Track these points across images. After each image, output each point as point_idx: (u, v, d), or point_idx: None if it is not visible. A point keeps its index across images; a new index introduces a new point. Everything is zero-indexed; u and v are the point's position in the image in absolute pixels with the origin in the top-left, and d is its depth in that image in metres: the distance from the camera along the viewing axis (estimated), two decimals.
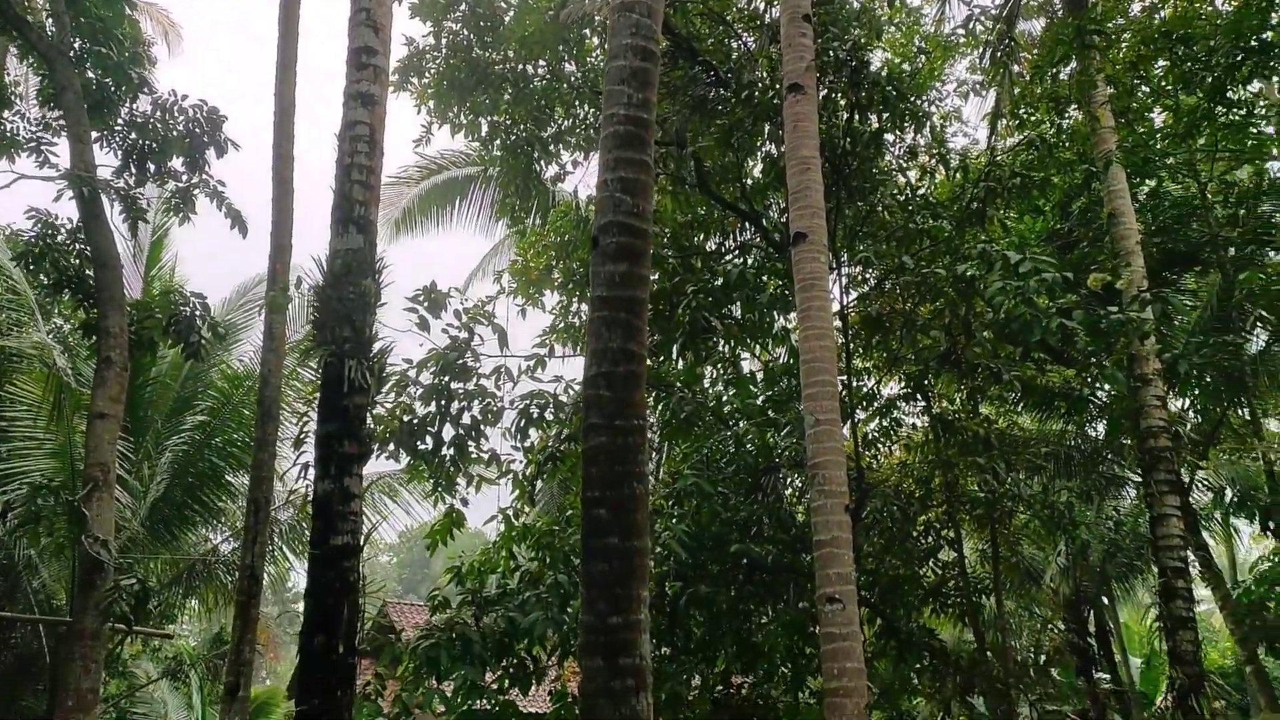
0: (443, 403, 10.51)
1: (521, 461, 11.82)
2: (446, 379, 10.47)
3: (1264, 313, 14.86)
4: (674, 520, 10.58)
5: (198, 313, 11.21)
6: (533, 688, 10.27)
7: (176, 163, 11.87)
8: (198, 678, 20.20)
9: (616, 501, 4.67)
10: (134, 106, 11.97)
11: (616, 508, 4.65)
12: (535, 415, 11.41)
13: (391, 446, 10.33)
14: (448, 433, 10.57)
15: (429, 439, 10.52)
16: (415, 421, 10.43)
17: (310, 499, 7.58)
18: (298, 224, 10.44)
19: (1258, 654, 17.14)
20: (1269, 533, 19.51)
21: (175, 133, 11.66)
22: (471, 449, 10.75)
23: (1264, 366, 17.13)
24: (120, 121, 11.88)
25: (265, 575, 15.93)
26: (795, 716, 13.61)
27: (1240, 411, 17.15)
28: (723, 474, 12.07)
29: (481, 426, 10.84)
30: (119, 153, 11.85)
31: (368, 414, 7.94)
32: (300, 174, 10.72)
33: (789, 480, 14.58)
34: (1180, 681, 10.68)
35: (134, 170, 11.76)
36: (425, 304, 10.11)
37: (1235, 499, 22.06)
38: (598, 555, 4.60)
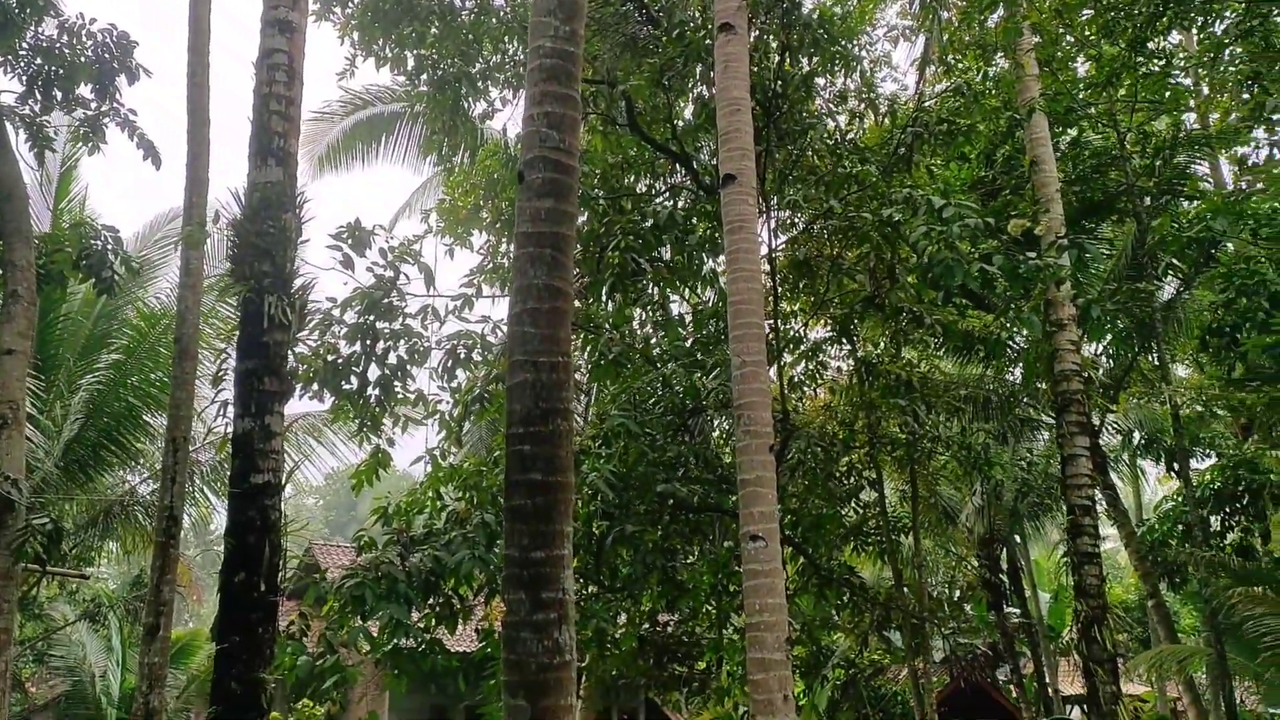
0: (368, 342, 10.37)
1: (448, 402, 11.77)
2: (372, 318, 10.32)
3: (1175, 261, 15.33)
4: (601, 460, 10.63)
5: (110, 247, 10.81)
6: (460, 626, 10.34)
7: (85, 90, 11.37)
8: (117, 620, 19.90)
9: (540, 437, 4.67)
10: (39, 30, 11.40)
11: (540, 443, 4.66)
12: (462, 356, 11.33)
13: (315, 386, 10.18)
14: (373, 373, 10.45)
15: (354, 379, 10.39)
16: (340, 361, 10.28)
17: (230, 438, 7.45)
18: (215, 157, 10.10)
19: (1159, 589, 17.93)
20: (1173, 474, 20.37)
21: (84, 58, 11.13)
22: (397, 389, 10.65)
23: (1173, 313, 17.75)
24: (24, 46, 11.31)
25: (186, 517, 15.70)
26: (719, 652, 13.95)
27: (1150, 357, 17.76)
28: (650, 415, 12.16)
29: (408, 367, 10.73)
30: (23, 78, 11.29)
31: (289, 351, 7.81)
32: (217, 105, 10.36)
33: (715, 421, 14.76)
34: (1085, 614, 11.15)
35: (39, 97, 11.23)
36: (349, 241, 9.92)
37: (1143, 441, 22.96)
38: (521, 490, 4.61)
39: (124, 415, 16.06)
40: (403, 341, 10.60)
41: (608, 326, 12.35)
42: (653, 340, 13.17)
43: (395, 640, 8.91)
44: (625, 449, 11.39)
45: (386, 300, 10.35)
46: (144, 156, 10.78)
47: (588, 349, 12.03)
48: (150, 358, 15.97)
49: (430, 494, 11.03)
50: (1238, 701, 16.38)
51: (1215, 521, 17.36)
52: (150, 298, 16.94)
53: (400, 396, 10.73)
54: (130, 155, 11.27)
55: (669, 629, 16.22)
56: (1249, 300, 12.67)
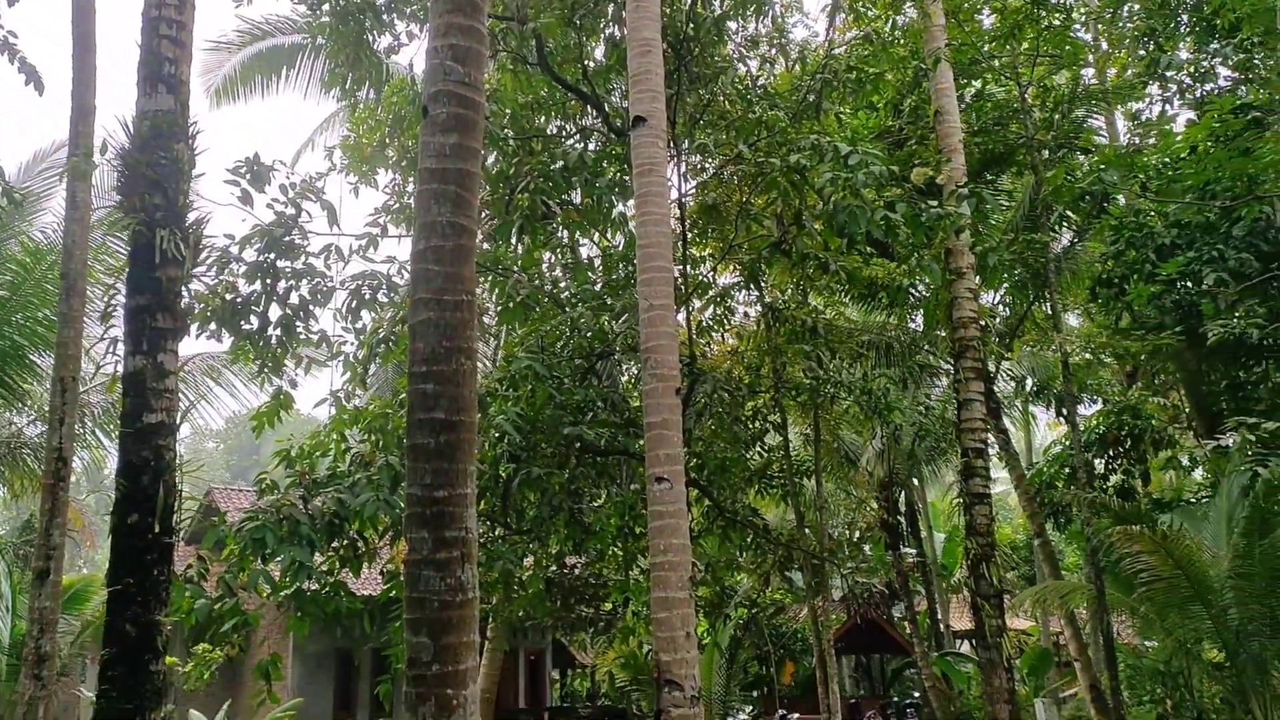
0: (268, 281, 10.10)
1: (353, 344, 11.57)
2: (272, 256, 10.05)
3: (1069, 213, 15.82)
4: (508, 403, 10.60)
5: None
6: (365, 569, 10.27)
7: None
8: (6, 565, 19.24)
9: (444, 376, 4.63)
10: None
11: (444, 382, 4.62)
12: (367, 297, 11.13)
13: (213, 326, 9.91)
14: (274, 312, 10.20)
15: (254, 319, 10.13)
16: (239, 300, 10.01)
17: (121, 377, 7.21)
18: (102, 84, 9.62)
19: (1045, 529, 18.74)
20: (1062, 419, 21.21)
21: None
22: (300, 330, 10.42)
23: (1066, 264, 18.36)
24: None
25: (78, 460, 15.21)
26: (625, 593, 14.16)
27: (1044, 306, 18.37)
28: (558, 358, 12.15)
29: (310, 307, 10.50)
30: None
31: (183, 288, 7.55)
32: (104, 30, 9.87)
33: (624, 365, 14.83)
34: (974, 552, 11.60)
35: None
36: (248, 177, 9.60)
37: (1035, 388, 23.82)
38: (424, 429, 4.58)
39: (9, 354, 15.37)
40: (305, 281, 10.35)
41: (516, 269, 12.25)
42: (561, 284, 13.12)
43: (298, 583, 8.81)
44: (532, 392, 11.37)
45: (288, 238, 10.08)
46: (26, 81, 10.21)
47: (495, 291, 11.92)
48: (36, 294, 15.27)
49: (334, 437, 10.85)
50: (1115, 634, 17.28)
51: (1099, 465, 18.18)
52: (35, 232, 16.15)
53: (303, 337, 10.51)
54: (11, 80, 10.71)
55: (576, 571, 16.40)
56: (1137, 252, 13.21)
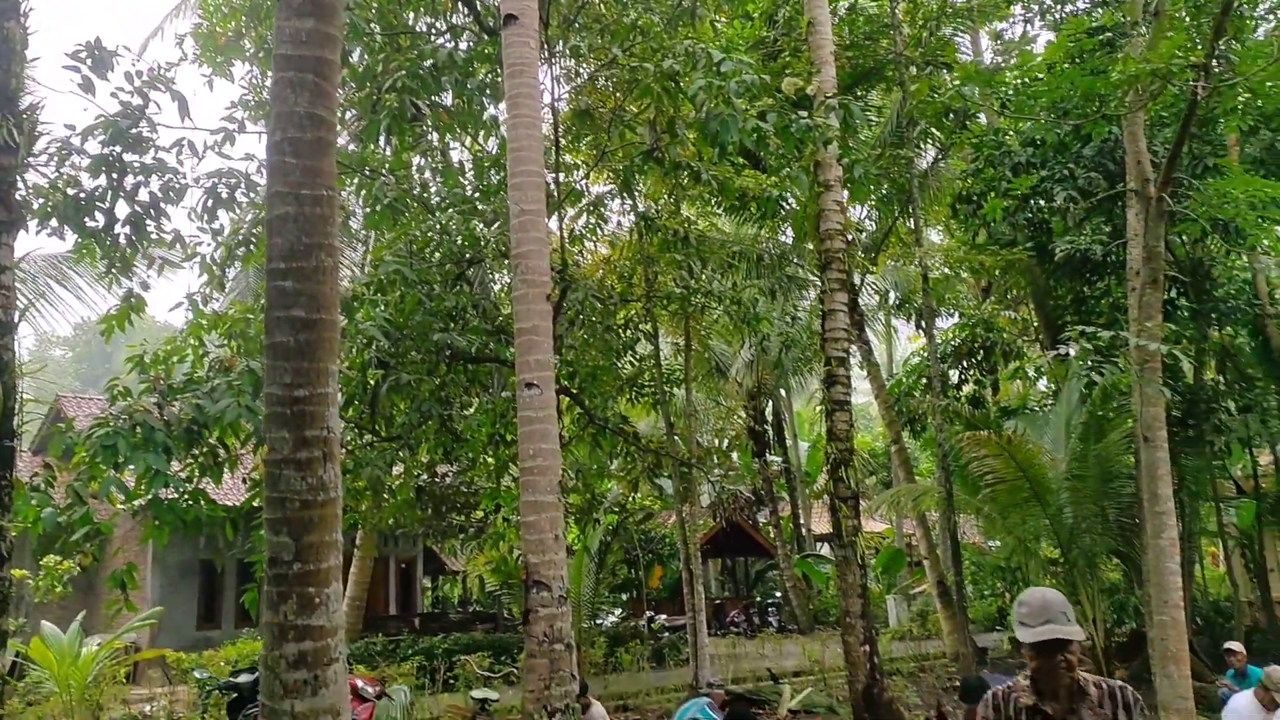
0: (114, 176, 9.52)
1: (210, 245, 11.08)
2: (118, 149, 9.47)
3: (934, 130, 16.22)
4: (376, 308, 10.38)
5: None
6: (227, 477, 10.01)
7: None
8: None
9: (303, 273, 4.49)
10: None
11: (303, 279, 4.48)
12: (224, 196, 10.62)
13: (55, 222, 9.33)
14: (121, 209, 9.66)
15: (100, 215, 9.57)
16: (82, 195, 9.43)
17: None
18: None
19: (901, 436, 19.60)
20: (921, 331, 22.06)
21: None
22: (151, 229, 9.90)
23: (930, 181, 18.90)
24: None
25: None
26: (496, 499, 14.24)
27: (908, 222, 18.91)
28: (427, 263, 11.92)
29: (162, 205, 9.97)
30: None
31: (17, 177, 7.06)
32: None
33: (496, 274, 14.67)
34: (834, 456, 12.07)
35: None
36: (89, 62, 8.96)
37: (897, 301, 24.67)
38: (283, 327, 4.45)
39: None
40: (155, 177, 9.80)
41: (384, 171, 11.89)
42: (431, 188, 12.79)
43: (153, 491, 8.53)
44: (401, 297, 11.16)
45: (135, 130, 9.50)
46: None
47: (362, 194, 11.56)
48: None
49: (192, 341, 10.45)
50: (961, 534, 18.35)
51: (954, 375, 19.06)
52: None
53: (154, 237, 10.00)
54: None
55: (447, 480, 16.38)
56: (995, 170, 13.68)
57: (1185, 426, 13.87)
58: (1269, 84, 8.51)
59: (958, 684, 13.93)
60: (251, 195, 10.70)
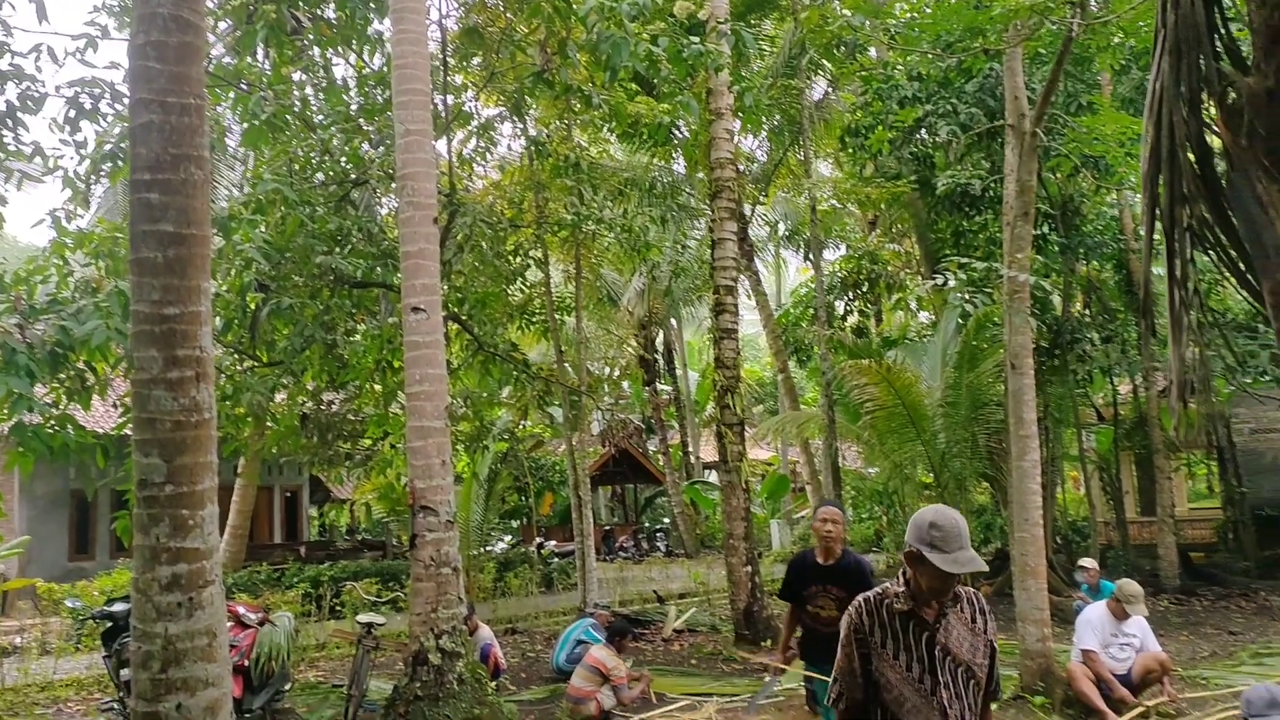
0: None
1: (74, 158, 10.51)
2: None
3: (825, 62, 16.32)
4: (255, 228, 10.02)
5: None
6: (97, 402, 9.63)
7: None
8: None
9: (171, 186, 4.30)
10: None
11: (171, 192, 4.30)
12: (88, 106, 10.04)
13: None
14: None
15: None
16: None
17: None
18: None
19: (788, 365, 20.04)
20: (809, 263, 22.46)
21: None
22: (8, 140, 9.33)
23: (820, 113, 19.08)
24: None
25: None
26: (383, 425, 14.07)
27: (798, 154, 19.12)
28: (310, 184, 11.55)
29: (19, 114, 9.39)
30: None
31: None
32: None
33: (382, 196, 14.31)
34: (721, 383, 12.29)
35: None
36: None
37: (787, 233, 25.02)
38: (150, 242, 4.27)
39: None
40: (12, 84, 9.22)
41: (262, 85, 11.39)
42: (313, 105, 12.33)
43: (17, 416, 8.16)
44: (282, 218, 10.80)
45: None
46: None
47: (238, 109, 11.08)
48: None
49: (55, 261, 9.92)
50: (842, 460, 18.98)
51: (840, 306, 19.51)
52: None
53: (12, 149, 9.42)
54: None
55: (334, 407, 16.09)
56: (883, 103, 13.87)
57: (1052, 356, 14.54)
58: (1140, 24, 8.82)
59: None
60: (117, 107, 10.14)
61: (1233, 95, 1.81)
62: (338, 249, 11.44)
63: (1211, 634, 11.80)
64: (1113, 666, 7.93)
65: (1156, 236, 2.26)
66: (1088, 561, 11.57)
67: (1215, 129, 1.95)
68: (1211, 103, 1.87)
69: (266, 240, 10.00)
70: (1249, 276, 2.02)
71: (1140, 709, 7.64)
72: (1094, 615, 8.22)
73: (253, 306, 10.91)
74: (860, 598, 3.13)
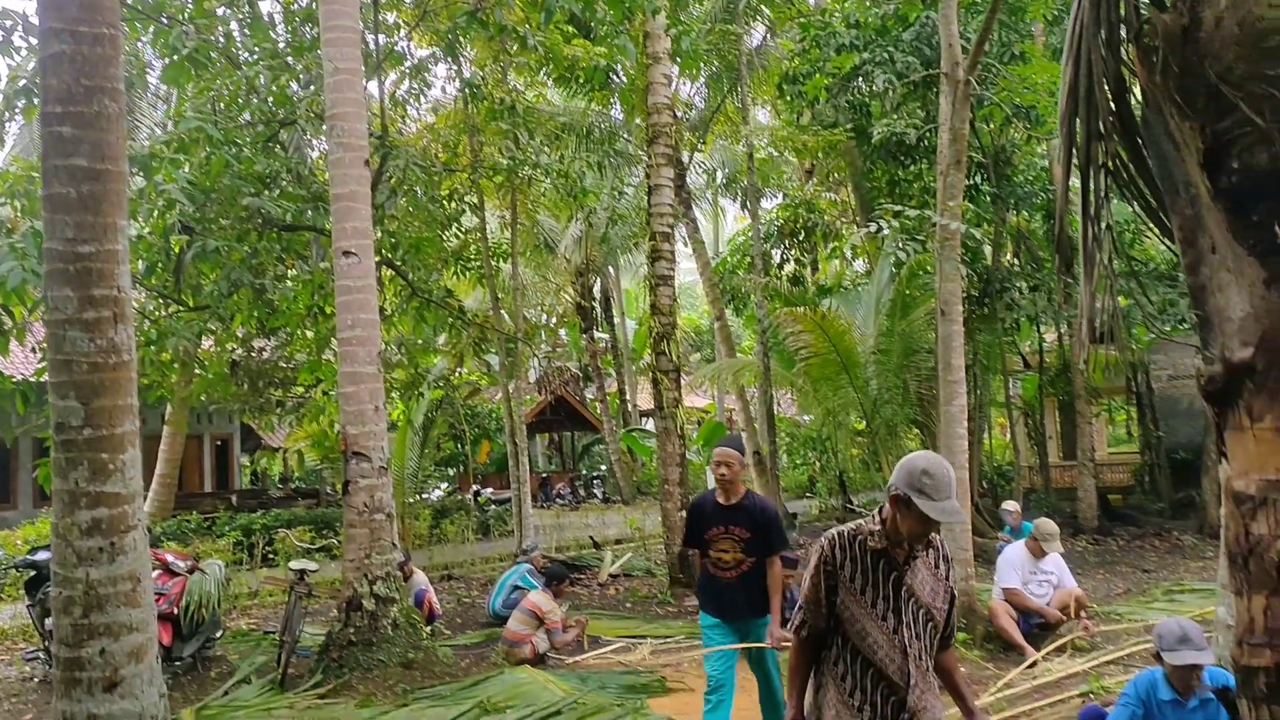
0: None
1: None
2: None
3: (763, 7, 16.22)
4: (179, 169, 9.72)
5: None
6: (14, 347, 9.34)
7: None
8: None
9: (84, 119, 4.15)
10: None
11: (84, 126, 4.15)
12: (0, 39, 9.62)
13: None
14: None
15: None
16: None
17: None
18: None
19: (725, 312, 20.11)
20: (746, 211, 22.49)
21: None
22: None
23: (759, 59, 19.00)
24: None
25: None
26: (316, 372, 13.86)
27: (736, 101, 19.04)
28: (235, 123, 11.22)
29: None
30: None
31: None
32: None
33: (312, 138, 13.96)
34: (657, 330, 12.31)
35: None
36: None
37: (724, 181, 25.00)
38: (62, 177, 4.13)
39: None
40: None
41: (183, 19, 10.99)
42: (237, 40, 11.93)
43: None
44: (207, 158, 10.48)
45: None
46: None
47: (159, 43, 10.67)
48: None
49: None
50: (777, 407, 19.20)
51: (776, 254, 19.59)
52: None
53: None
54: None
55: (264, 354, 15.81)
56: (819, 50, 13.86)
57: (981, 305, 14.81)
58: None
59: None
60: (31, 40, 9.72)
61: (1149, 33, 1.83)
62: (266, 191, 11.15)
63: (1126, 572, 12.26)
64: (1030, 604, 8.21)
65: (1075, 181, 2.31)
66: (1010, 504, 11.92)
67: (1132, 67, 1.98)
68: (1129, 41, 1.90)
69: (190, 181, 9.70)
70: (1161, 214, 2.08)
71: (1056, 643, 7.93)
72: (1013, 554, 8.49)
73: (177, 249, 10.62)
74: (834, 532, 3.17)
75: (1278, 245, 1.73)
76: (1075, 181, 2.40)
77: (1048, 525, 8.33)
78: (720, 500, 5.37)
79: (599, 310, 30.89)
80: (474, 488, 23.40)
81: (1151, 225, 2.33)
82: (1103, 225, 2.12)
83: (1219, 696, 3.92)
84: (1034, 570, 8.32)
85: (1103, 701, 5.18)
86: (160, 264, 10.87)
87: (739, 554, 5.27)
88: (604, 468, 31.17)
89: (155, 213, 10.19)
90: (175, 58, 9.96)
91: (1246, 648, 1.89)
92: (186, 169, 10.16)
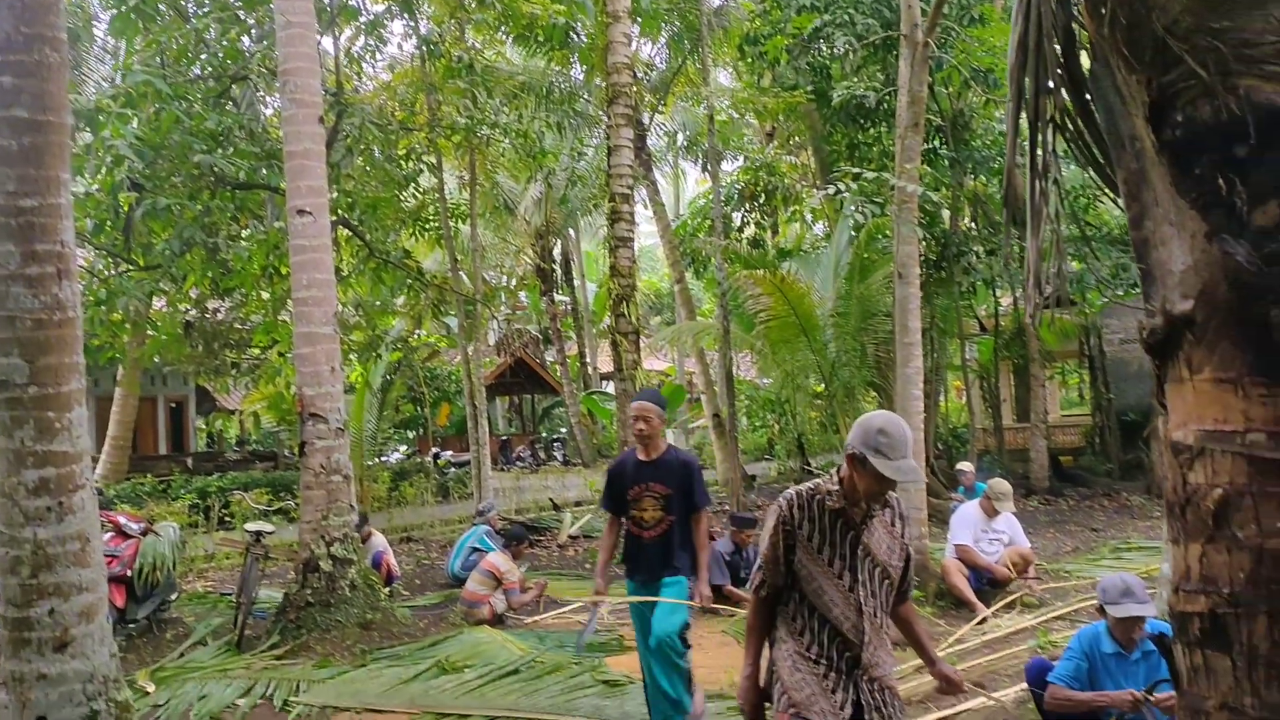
0: None
1: None
2: None
3: None
4: (127, 124, 9.50)
5: None
6: None
7: None
8: None
9: (25, 68, 4.04)
10: None
11: (25, 75, 4.03)
12: None
13: None
14: None
15: None
16: None
17: None
18: None
19: (685, 275, 20.10)
20: (707, 174, 22.41)
21: None
22: None
23: (719, 20, 18.86)
24: None
25: None
26: (272, 333, 13.70)
27: (697, 62, 18.90)
28: (185, 77, 10.97)
29: None
30: None
31: None
32: None
33: (267, 95, 13.69)
34: (616, 292, 12.29)
35: None
36: None
37: (685, 143, 24.88)
38: (2, 129, 4.02)
39: None
40: None
41: None
42: None
43: None
44: (157, 114, 10.25)
45: None
46: None
47: None
48: None
49: None
50: (736, 370, 19.29)
51: (737, 217, 19.58)
52: None
53: None
54: None
55: (219, 315, 15.60)
56: (780, 11, 13.78)
57: (939, 269, 14.93)
58: None
59: (727, 507, 14.91)
60: None
61: None
62: (218, 148, 10.93)
63: (1076, 531, 12.52)
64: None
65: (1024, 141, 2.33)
66: (964, 465, 12.08)
67: (1081, 20, 1.99)
68: None
69: (139, 137, 9.51)
70: (1107, 169, 2.10)
71: (1005, 600, 8.10)
72: (967, 513, 8.64)
73: (126, 207, 10.41)
74: (793, 491, 3.16)
75: (1219, 198, 1.75)
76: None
77: (1001, 485, 8.47)
78: (641, 457, 5.12)
79: (559, 273, 30.76)
80: (433, 450, 23.33)
81: (1099, 180, 2.35)
82: (1050, 180, 2.14)
83: (1156, 643, 4.02)
84: (986, 529, 8.47)
85: (1050, 655, 5.30)
86: (109, 222, 10.65)
87: (659, 511, 5.03)
88: (564, 430, 31.21)
89: (103, 169, 9.96)
90: (122, 9, 9.70)
91: (1182, 594, 1.94)
92: (135, 124, 9.94)
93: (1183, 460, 1.90)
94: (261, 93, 13.64)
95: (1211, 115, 1.76)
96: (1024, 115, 2.18)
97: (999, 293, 17.61)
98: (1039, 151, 2.16)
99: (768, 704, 3.25)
